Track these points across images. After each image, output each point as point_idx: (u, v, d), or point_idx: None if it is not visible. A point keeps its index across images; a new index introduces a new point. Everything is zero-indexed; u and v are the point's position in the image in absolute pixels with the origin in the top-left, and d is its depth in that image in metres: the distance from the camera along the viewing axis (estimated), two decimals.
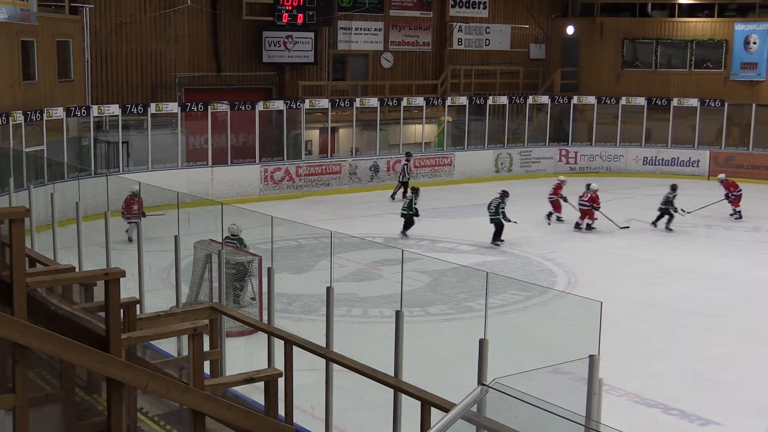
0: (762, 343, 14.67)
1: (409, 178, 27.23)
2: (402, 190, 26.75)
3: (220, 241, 12.53)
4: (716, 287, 18.13)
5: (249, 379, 8.25)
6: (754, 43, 32.82)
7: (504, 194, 21.89)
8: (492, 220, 21.56)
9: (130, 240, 19.19)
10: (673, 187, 23.57)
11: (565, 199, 24.23)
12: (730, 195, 24.86)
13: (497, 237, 21.49)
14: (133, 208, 19.74)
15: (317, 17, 29.35)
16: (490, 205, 21.80)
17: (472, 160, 31.24)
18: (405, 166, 27.49)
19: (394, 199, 26.70)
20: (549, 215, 24.19)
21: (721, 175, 25.95)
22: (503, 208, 21.54)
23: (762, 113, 32.01)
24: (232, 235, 15.51)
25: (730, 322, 15.85)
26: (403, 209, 22.42)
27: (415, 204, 22.23)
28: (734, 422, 11.58)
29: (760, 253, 21.12)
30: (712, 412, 11.71)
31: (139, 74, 27.55)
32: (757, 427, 11.49)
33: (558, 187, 24.41)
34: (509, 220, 21.45)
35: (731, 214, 24.74)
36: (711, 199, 25.19)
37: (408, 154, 28.14)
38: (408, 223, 22.13)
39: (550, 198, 24.34)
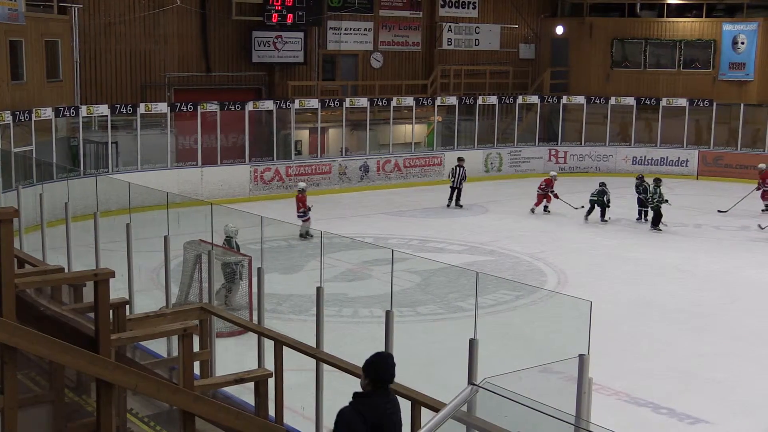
0: (751, 342, 14.72)
1: (460, 184, 26.34)
2: (455, 195, 26.24)
3: (212, 242, 12.51)
4: (706, 286, 18.18)
5: (239, 379, 8.25)
6: (742, 43, 32.93)
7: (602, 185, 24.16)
8: (593, 202, 23.96)
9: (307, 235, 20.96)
10: (657, 181, 23.88)
11: (556, 196, 24.61)
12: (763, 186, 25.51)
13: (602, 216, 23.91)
14: None
15: (307, 17, 29.33)
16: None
17: None
18: (459, 170, 26.45)
19: (449, 206, 26.19)
20: (545, 208, 25.20)
21: (762, 165, 26.39)
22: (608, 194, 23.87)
23: (750, 113, 32.15)
24: (228, 236, 15.48)
25: (720, 321, 15.90)
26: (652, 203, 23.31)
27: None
28: (724, 421, 11.62)
29: (748, 252, 21.19)
30: (701, 410, 11.75)
31: (128, 74, 27.47)
32: (747, 426, 11.52)
33: (548, 182, 24.99)
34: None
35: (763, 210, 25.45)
36: (700, 198, 25.28)
37: (460, 159, 27.10)
38: (658, 216, 23.24)
39: (539, 192, 25.10)
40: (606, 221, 23.99)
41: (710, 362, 13.73)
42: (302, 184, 22.47)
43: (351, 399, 5.79)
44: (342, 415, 5.68)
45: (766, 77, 33.04)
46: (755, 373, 13.36)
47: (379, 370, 5.70)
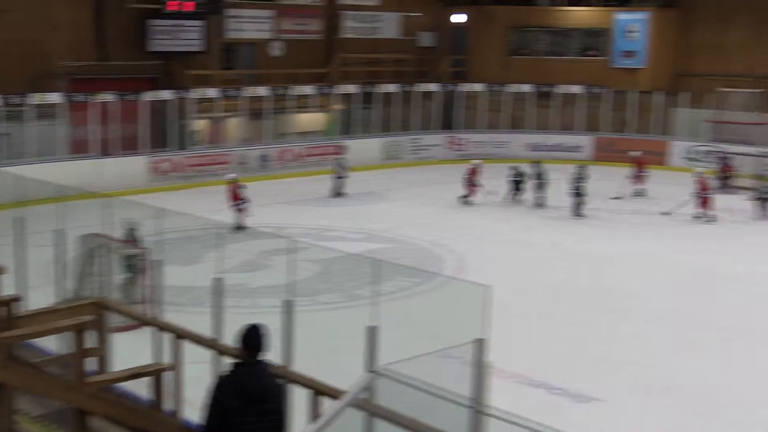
0: (640, 322, 15.20)
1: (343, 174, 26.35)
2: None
3: (110, 234, 12.28)
4: (601, 269, 18.68)
5: (136, 374, 8.12)
6: (634, 31, 33.85)
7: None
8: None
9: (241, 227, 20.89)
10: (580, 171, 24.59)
11: (477, 185, 25.20)
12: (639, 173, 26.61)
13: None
14: None
15: (205, 5, 28.90)
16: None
17: (361, 147, 31.32)
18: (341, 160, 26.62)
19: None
20: (464, 197, 25.25)
21: (635, 152, 27.72)
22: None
23: (641, 99, 33.11)
24: (129, 228, 15.17)
25: (612, 302, 16.35)
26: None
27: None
28: (615, 399, 11.98)
29: (642, 235, 21.84)
30: (594, 389, 12.09)
31: (18, 63, 26.60)
32: (636, 403, 11.89)
33: (472, 172, 25.23)
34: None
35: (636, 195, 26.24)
36: (594, 183, 25.88)
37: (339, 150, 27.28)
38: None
39: (465, 182, 25.35)
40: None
41: (602, 342, 14.11)
42: (232, 174, 22.35)
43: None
44: (216, 381, 6.09)
45: (656, 65, 34.06)
46: (644, 352, 13.79)
47: (251, 340, 6.11)
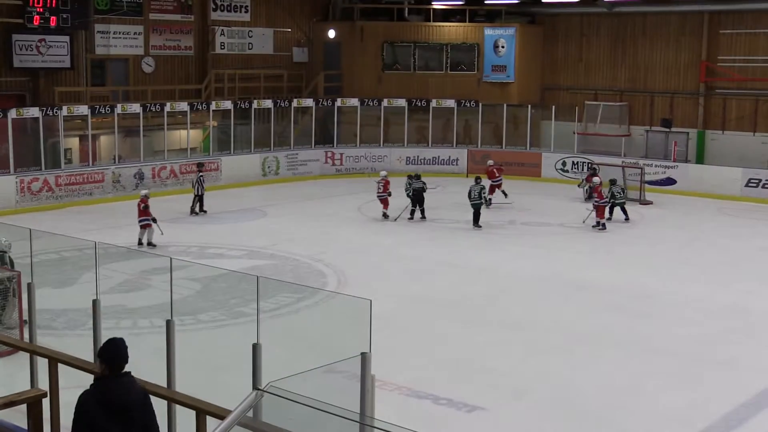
0: (519, 330, 15.57)
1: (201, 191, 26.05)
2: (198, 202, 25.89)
3: None
4: (477, 280, 19.04)
5: (9, 403, 7.83)
6: (503, 46, 34.74)
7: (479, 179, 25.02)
8: (474, 205, 24.23)
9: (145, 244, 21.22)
10: (417, 176, 25.25)
11: (390, 194, 25.15)
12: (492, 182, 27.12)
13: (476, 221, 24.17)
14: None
15: (72, 20, 28.14)
16: (471, 192, 24.29)
17: (238, 164, 31.12)
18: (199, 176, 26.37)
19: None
20: (384, 213, 25.18)
21: (490, 161, 28.26)
22: (485, 193, 24.95)
23: (512, 113, 34.01)
24: (0, 251, 14.62)
25: (491, 312, 16.70)
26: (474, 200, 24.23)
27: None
28: (498, 406, 12.23)
29: (514, 246, 22.37)
30: (477, 398, 12.31)
31: None
32: (518, 409, 12.18)
33: (386, 185, 25.21)
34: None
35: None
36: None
37: (200, 165, 27.00)
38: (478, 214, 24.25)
39: (379, 196, 25.20)
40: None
41: (483, 351, 14.40)
42: (145, 191, 22.34)
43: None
44: (80, 397, 6.02)
45: (525, 79, 35.07)
46: (523, 359, 14.14)
47: (110, 354, 6.12)
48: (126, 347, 6.23)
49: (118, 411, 5.96)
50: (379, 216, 25.14)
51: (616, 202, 25.29)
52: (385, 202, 25.19)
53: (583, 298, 17.59)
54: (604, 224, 24.11)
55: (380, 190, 25.16)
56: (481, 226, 24.03)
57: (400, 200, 25.32)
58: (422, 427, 6.25)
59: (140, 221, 21.42)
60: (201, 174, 26.21)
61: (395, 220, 24.78)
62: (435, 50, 35.83)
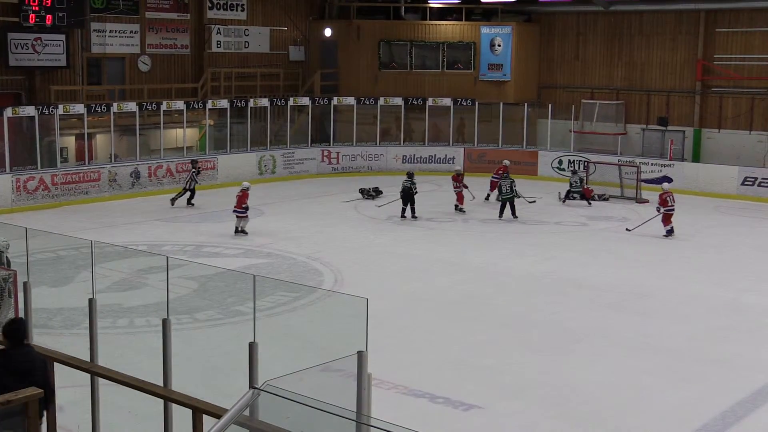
0: (516, 328, 15.57)
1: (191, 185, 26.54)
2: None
3: None
4: (474, 278, 19.04)
5: (5, 402, 7.82)
6: (499, 45, 34.75)
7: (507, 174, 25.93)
8: (505, 199, 25.16)
9: (242, 232, 22.50)
10: (409, 174, 25.15)
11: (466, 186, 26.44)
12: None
13: (513, 212, 25.19)
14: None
15: (68, 19, 28.09)
16: (501, 186, 25.30)
17: (235, 163, 31.10)
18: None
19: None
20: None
21: (506, 161, 28.30)
22: (516, 186, 25.44)
23: (509, 111, 34.01)
24: None
25: (488, 310, 16.70)
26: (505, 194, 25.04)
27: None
28: (494, 404, 12.23)
29: (511, 244, 22.38)
30: (474, 396, 12.31)
31: None
32: (515, 407, 12.19)
33: (458, 178, 26.35)
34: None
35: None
36: (467, 194, 26.39)
37: (194, 162, 27.39)
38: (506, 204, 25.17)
39: (455, 190, 26.36)
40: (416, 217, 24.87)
41: (481, 350, 14.40)
42: (246, 183, 23.18)
43: None
44: None
45: (521, 77, 35.08)
46: (520, 358, 14.15)
47: (12, 331, 7.67)
48: (25, 326, 8.04)
49: (24, 374, 7.35)
50: (378, 215, 25.13)
51: (504, 197, 25.43)
52: (460, 197, 26.18)
53: (580, 297, 17.60)
54: (671, 230, 23.30)
55: (456, 185, 26.21)
56: (517, 217, 25.09)
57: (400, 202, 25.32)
58: (419, 426, 6.24)
59: (238, 212, 22.42)
60: (194, 170, 26.45)
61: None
62: (431, 49, 35.82)
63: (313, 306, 16.53)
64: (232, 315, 15.65)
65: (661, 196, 23.46)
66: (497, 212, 25.40)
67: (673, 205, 23.26)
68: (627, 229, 24.03)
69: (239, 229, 22.48)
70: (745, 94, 31.60)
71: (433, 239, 22.80)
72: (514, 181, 25.41)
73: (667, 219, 23.28)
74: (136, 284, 17.44)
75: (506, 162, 27.74)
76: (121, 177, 28.13)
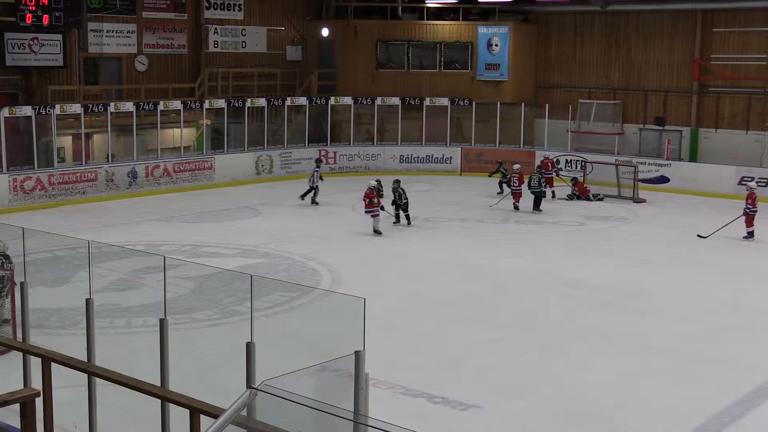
0: (514, 328, 15.57)
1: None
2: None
3: None
4: (471, 278, 19.03)
5: (2, 402, 7.81)
6: (496, 45, 34.76)
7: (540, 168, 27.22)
8: (534, 193, 25.93)
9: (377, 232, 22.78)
10: (395, 181, 24.50)
11: (557, 173, 28.70)
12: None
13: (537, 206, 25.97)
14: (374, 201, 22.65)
15: (65, 18, 28.06)
16: (531, 180, 26.04)
17: (232, 163, 31.09)
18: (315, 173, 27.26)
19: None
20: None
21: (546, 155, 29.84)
22: (544, 180, 26.40)
23: (506, 111, 34.00)
24: None
25: (485, 310, 16.68)
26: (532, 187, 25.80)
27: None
28: (493, 404, 12.21)
29: (509, 244, 22.38)
30: (472, 396, 12.29)
31: None
32: (513, 407, 12.17)
33: (520, 177, 26.51)
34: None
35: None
36: (464, 194, 26.40)
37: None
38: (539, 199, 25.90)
39: (513, 189, 26.64)
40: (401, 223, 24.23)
41: (478, 349, 14.39)
42: (373, 182, 23.34)
43: None
44: None
45: (518, 77, 35.09)
46: (519, 357, 14.14)
47: None
48: None
49: None
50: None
51: (534, 191, 25.94)
52: (517, 196, 26.38)
53: (578, 297, 17.59)
54: (751, 233, 22.89)
55: (515, 184, 26.42)
56: (541, 210, 25.81)
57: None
58: (416, 426, 6.22)
59: (371, 212, 22.66)
60: (317, 169, 27.56)
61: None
62: (429, 48, 35.82)
63: (311, 306, 16.51)
64: (229, 315, 15.64)
65: (750, 195, 22.76)
66: (497, 212, 25.42)
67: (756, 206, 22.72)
68: (699, 236, 23.00)
69: (376, 230, 22.76)
70: (742, 93, 31.62)
71: (430, 239, 22.79)
72: (543, 176, 26.52)
73: (750, 220, 22.73)
74: (134, 284, 17.42)
75: (516, 166, 27.19)
76: (118, 177, 28.10)
